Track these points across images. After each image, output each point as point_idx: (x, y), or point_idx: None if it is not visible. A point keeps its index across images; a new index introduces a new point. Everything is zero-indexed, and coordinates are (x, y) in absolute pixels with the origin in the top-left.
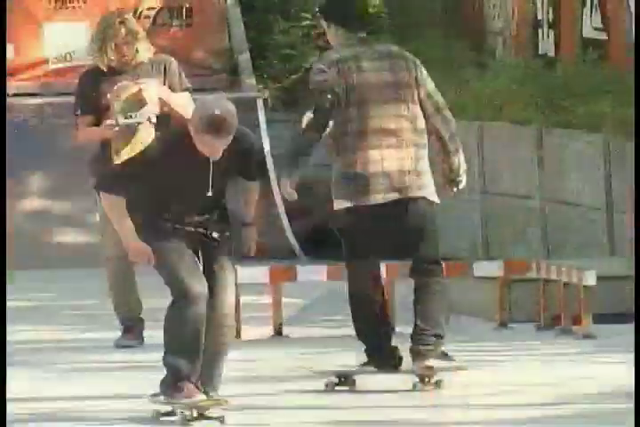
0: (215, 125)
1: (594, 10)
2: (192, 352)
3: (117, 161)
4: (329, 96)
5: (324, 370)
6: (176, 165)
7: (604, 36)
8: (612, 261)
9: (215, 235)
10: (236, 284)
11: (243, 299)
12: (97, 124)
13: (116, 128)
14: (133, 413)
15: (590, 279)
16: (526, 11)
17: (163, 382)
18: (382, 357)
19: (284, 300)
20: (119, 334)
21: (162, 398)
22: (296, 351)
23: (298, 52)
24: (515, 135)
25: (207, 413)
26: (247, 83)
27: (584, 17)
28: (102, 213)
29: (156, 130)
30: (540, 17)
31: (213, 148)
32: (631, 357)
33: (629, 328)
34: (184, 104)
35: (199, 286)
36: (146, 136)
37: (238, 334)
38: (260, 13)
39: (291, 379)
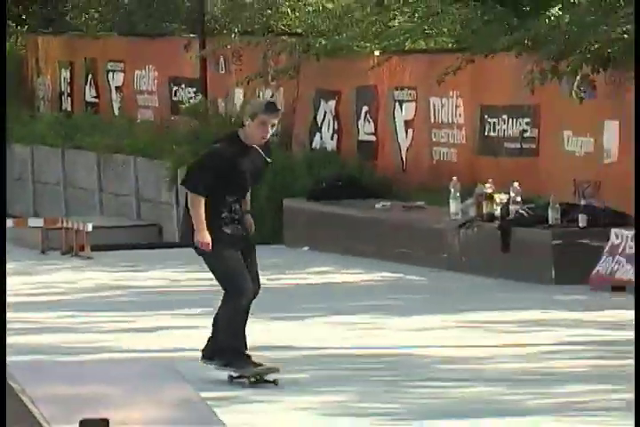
0: (270, 106)
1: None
2: (243, 333)
3: None
4: None
5: None
6: (235, 171)
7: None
8: (103, 217)
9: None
10: None
11: None
12: None
13: None
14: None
15: (89, 227)
16: (55, 83)
17: (225, 357)
18: None
19: None
20: None
21: (231, 368)
22: None
23: None
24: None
25: (265, 377)
26: None
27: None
28: None
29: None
30: (63, 89)
31: (265, 126)
32: None
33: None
34: None
35: (252, 285)
36: None
37: None
38: None
39: None
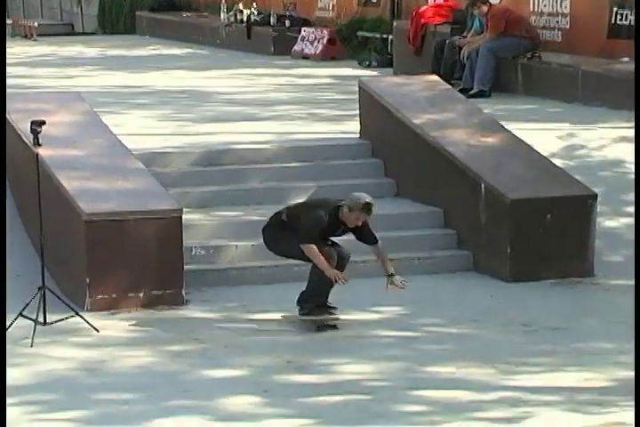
0: (368, 208)
1: None
2: (327, 292)
3: None
4: None
5: None
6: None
7: None
8: (43, 20)
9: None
10: None
11: None
12: None
13: None
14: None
15: (35, 24)
16: None
17: (308, 306)
18: None
19: None
20: None
21: (310, 316)
22: None
23: None
24: None
25: (329, 323)
26: None
27: None
28: None
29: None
30: None
31: (359, 220)
32: None
33: None
34: None
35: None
36: None
37: None
38: None
39: None
